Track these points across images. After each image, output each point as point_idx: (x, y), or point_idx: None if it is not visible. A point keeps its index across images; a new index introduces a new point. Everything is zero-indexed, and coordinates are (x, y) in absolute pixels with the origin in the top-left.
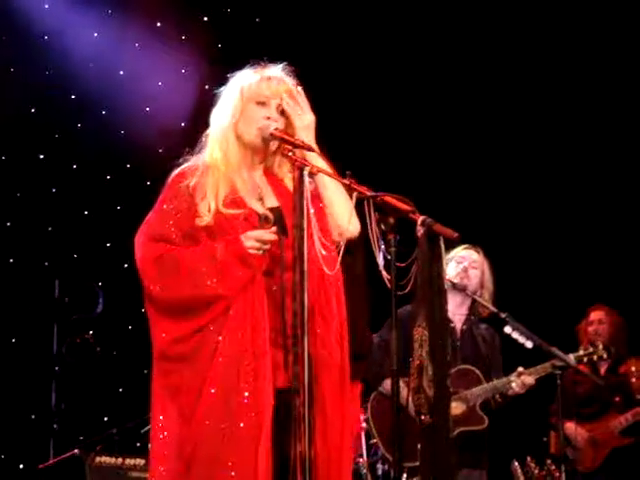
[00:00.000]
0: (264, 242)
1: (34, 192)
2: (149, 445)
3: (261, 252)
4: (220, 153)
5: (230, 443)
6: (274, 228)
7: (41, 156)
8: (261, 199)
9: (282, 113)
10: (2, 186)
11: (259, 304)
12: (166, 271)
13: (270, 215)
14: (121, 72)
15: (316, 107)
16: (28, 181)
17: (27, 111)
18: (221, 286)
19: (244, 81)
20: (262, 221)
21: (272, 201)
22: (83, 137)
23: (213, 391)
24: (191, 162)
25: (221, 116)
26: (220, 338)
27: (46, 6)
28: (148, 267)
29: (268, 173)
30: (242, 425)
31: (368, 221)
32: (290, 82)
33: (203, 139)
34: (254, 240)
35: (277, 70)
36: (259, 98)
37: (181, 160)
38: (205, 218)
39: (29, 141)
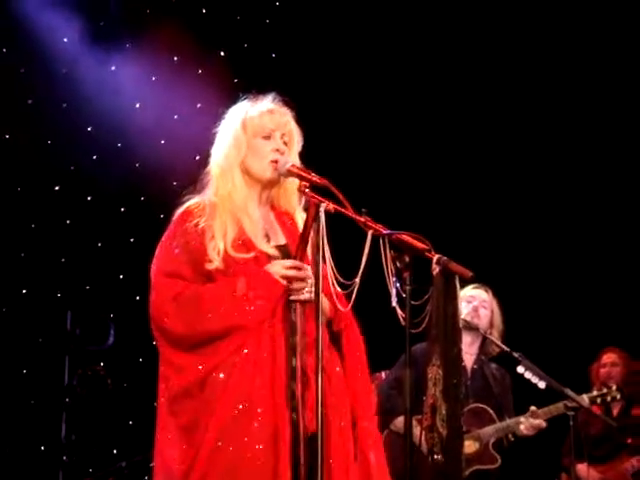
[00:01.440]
0: (290, 268)
1: (48, 223)
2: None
3: (284, 281)
4: (225, 191)
5: (243, 471)
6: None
7: (56, 188)
8: (267, 237)
9: (285, 144)
10: (17, 217)
11: (279, 337)
12: (186, 307)
13: (277, 254)
14: (137, 105)
15: (329, 143)
16: (43, 212)
17: (43, 143)
18: (243, 317)
19: (244, 116)
20: (270, 261)
21: (279, 238)
22: (98, 169)
23: (224, 418)
24: (197, 199)
25: (224, 152)
26: (239, 367)
27: (65, 40)
28: (167, 305)
29: (274, 207)
30: (253, 454)
31: (383, 259)
32: (287, 112)
33: (206, 174)
34: (281, 267)
35: (272, 101)
36: (264, 132)
37: (185, 198)
38: (215, 263)
39: (44, 173)
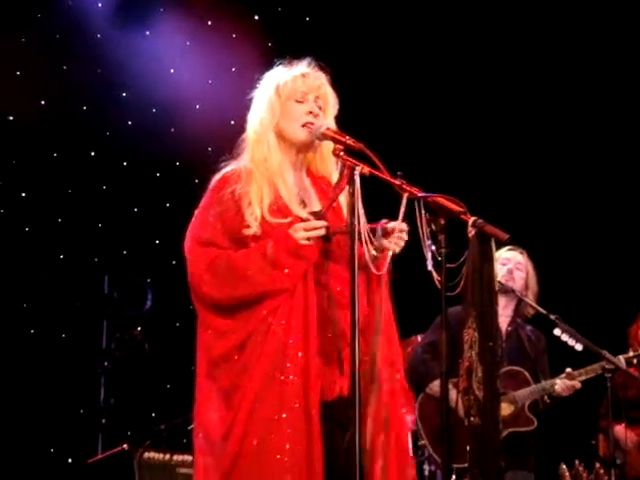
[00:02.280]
0: (313, 229)
1: (85, 189)
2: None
3: (311, 242)
4: (261, 155)
5: (279, 432)
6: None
7: (92, 153)
8: (303, 203)
9: (319, 108)
10: (53, 183)
11: (311, 298)
12: (220, 274)
13: (312, 220)
14: (171, 70)
15: (363, 106)
16: (79, 178)
17: (79, 109)
18: (275, 280)
19: (278, 80)
20: None
21: (315, 204)
22: (133, 135)
23: (261, 380)
24: (232, 166)
25: (259, 117)
26: (273, 330)
27: (99, 5)
28: (202, 272)
29: (310, 172)
30: (288, 416)
31: (418, 221)
32: (322, 76)
33: (241, 142)
34: (302, 230)
35: (307, 65)
36: (297, 95)
37: (222, 164)
38: (253, 228)
39: (80, 139)
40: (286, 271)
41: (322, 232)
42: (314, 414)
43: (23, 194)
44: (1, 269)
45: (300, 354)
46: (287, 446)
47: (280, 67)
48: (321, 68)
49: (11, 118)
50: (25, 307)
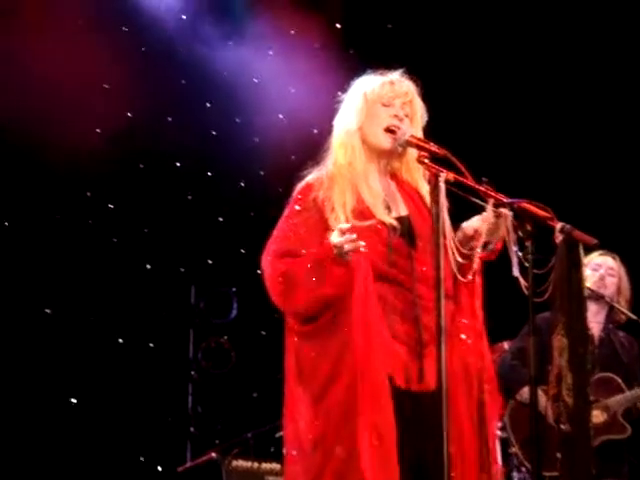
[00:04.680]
0: (346, 232)
1: (170, 199)
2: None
3: (349, 247)
4: (345, 160)
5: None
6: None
7: (177, 164)
8: (388, 207)
9: (406, 115)
10: (140, 194)
11: (373, 305)
12: (288, 286)
13: (397, 225)
14: (255, 79)
15: (447, 114)
16: (165, 188)
17: (164, 120)
18: (327, 288)
19: (366, 86)
20: (390, 232)
21: (400, 209)
22: (218, 144)
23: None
24: (316, 173)
25: (345, 121)
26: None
27: (183, 17)
28: (274, 284)
29: (396, 178)
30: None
31: (505, 227)
32: (411, 85)
33: (326, 148)
34: (339, 233)
35: (397, 74)
36: (383, 100)
37: (305, 172)
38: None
39: (166, 150)
40: (334, 276)
41: (354, 246)
42: (387, 412)
43: (111, 205)
44: (90, 280)
45: (364, 359)
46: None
47: (370, 75)
48: (411, 79)
49: (98, 131)
50: (113, 317)
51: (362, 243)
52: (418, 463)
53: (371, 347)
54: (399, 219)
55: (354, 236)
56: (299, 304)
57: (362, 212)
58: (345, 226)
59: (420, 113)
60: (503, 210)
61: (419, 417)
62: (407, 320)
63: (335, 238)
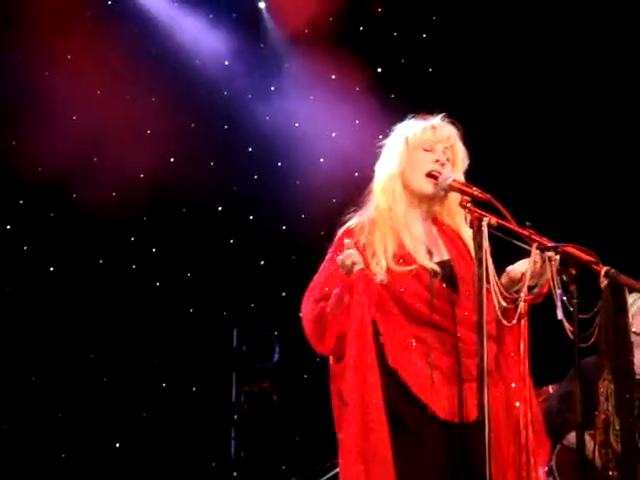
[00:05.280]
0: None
1: (212, 243)
2: None
3: (347, 261)
4: (386, 204)
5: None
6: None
7: (219, 208)
8: (430, 252)
9: (447, 160)
10: (182, 238)
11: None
12: (320, 327)
13: (439, 270)
14: (296, 124)
15: (487, 159)
16: (207, 233)
17: (206, 165)
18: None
19: (408, 131)
20: (432, 277)
21: (442, 254)
22: (259, 189)
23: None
24: (357, 218)
25: (386, 166)
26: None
27: (226, 63)
28: (309, 327)
29: (437, 222)
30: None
31: (549, 272)
32: (452, 129)
33: (367, 193)
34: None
35: (439, 119)
36: (425, 145)
37: (347, 216)
38: (379, 276)
39: (208, 194)
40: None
41: (352, 261)
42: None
43: (154, 249)
44: (133, 324)
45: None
46: None
47: (411, 119)
48: (452, 123)
49: (142, 175)
50: (156, 361)
51: (356, 257)
52: None
53: (361, 374)
54: (441, 264)
55: (351, 251)
56: (329, 342)
57: (403, 257)
58: (347, 241)
59: (462, 157)
60: (549, 253)
61: (460, 450)
62: (448, 362)
63: (339, 257)
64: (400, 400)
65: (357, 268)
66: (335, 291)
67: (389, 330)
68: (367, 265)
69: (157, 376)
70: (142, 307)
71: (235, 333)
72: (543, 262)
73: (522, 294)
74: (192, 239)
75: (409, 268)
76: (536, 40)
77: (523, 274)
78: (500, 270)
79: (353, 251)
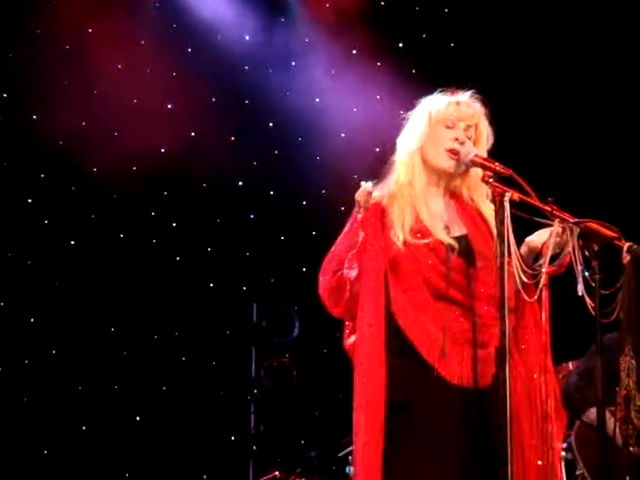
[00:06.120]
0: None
1: (233, 218)
2: None
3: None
4: (405, 179)
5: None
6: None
7: (240, 183)
8: (447, 228)
9: (469, 138)
10: (203, 213)
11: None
12: (338, 294)
13: (455, 245)
14: (317, 99)
15: (508, 134)
16: (227, 208)
17: (227, 140)
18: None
19: (432, 105)
20: (448, 251)
21: (460, 229)
22: (280, 164)
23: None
24: (377, 192)
25: (408, 140)
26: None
27: (247, 38)
28: (326, 298)
29: (456, 197)
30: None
31: (571, 248)
32: (477, 107)
33: (389, 166)
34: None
35: (465, 95)
36: (447, 121)
37: None
38: (395, 247)
39: (228, 169)
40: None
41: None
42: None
43: (174, 224)
44: (153, 299)
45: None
46: None
47: (438, 94)
48: (480, 101)
49: (163, 150)
50: (176, 335)
51: (369, 185)
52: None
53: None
54: (458, 238)
55: (368, 183)
56: (343, 303)
57: (420, 231)
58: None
59: (485, 135)
60: (569, 224)
61: (477, 417)
62: (462, 329)
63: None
64: (409, 364)
65: (373, 196)
66: (354, 268)
67: (401, 292)
68: (386, 235)
69: (177, 350)
70: (162, 282)
71: (255, 308)
72: (564, 232)
73: (545, 264)
74: (212, 214)
75: (425, 241)
76: (559, 16)
77: (544, 244)
78: (519, 243)
79: (369, 184)
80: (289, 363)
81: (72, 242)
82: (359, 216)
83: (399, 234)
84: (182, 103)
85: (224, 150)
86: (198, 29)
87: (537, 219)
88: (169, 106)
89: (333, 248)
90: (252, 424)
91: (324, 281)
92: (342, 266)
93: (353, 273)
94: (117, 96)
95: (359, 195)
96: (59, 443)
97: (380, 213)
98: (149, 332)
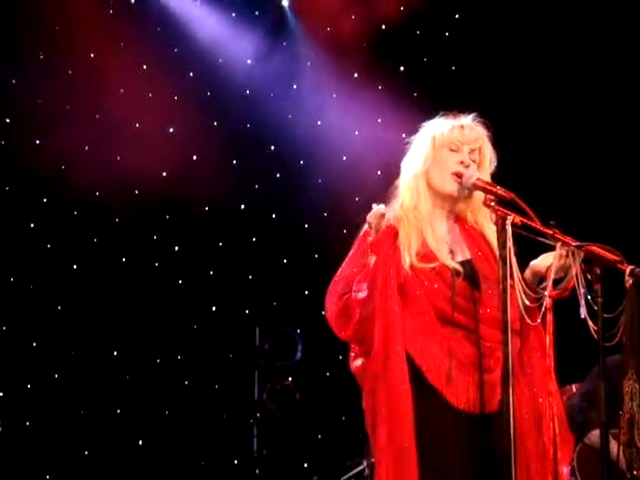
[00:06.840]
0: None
1: (235, 242)
2: None
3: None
4: (411, 203)
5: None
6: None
7: (242, 207)
8: (452, 252)
9: (474, 161)
10: (205, 237)
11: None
12: (346, 314)
13: (460, 269)
14: (318, 122)
15: (510, 157)
16: (229, 231)
17: (228, 163)
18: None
19: (436, 129)
20: (454, 275)
21: (464, 253)
22: (281, 187)
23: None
24: (390, 214)
25: (412, 164)
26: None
27: (248, 61)
28: (333, 321)
29: (460, 221)
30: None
31: (573, 271)
32: (481, 130)
33: (393, 189)
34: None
35: (468, 119)
36: (451, 145)
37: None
38: (403, 272)
39: (230, 192)
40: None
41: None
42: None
43: (176, 248)
44: (156, 322)
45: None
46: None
47: (440, 118)
48: (483, 124)
49: (164, 174)
50: (179, 359)
51: (382, 207)
52: None
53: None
54: (462, 263)
55: (380, 206)
56: (352, 327)
57: (426, 255)
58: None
59: (489, 159)
60: (573, 248)
61: (482, 442)
62: (468, 354)
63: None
64: (416, 389)
65: (386, 218)
66: (363, 290)
67: (409, 316)
68: (397, 259)
69: (180, 374)
70: (165, 305)
71: (257, 331)
72: (567, 256)
73: (547, 290)
74: (214, 237)
75: (431, 265)
76: (559, 39)
77: (548, 268)
78: (523, 267)
79: (381, 206)
80: (292, 386)
81: (74, 266)
82: (369, 238)
83: (406, 258)
84: (184, 127)
85: (226, 174)
86: (199, 53)
87: (540, 239)
88: (171, 130)
89: (340, 271)
90: (255, 447)
91: (331, 304)
92: (349, 289)
93: (362, 295)
94: (119, 120)
95: (371, 217)
96: (61, 468)
97: (394, 236)
98: (151, 356)
